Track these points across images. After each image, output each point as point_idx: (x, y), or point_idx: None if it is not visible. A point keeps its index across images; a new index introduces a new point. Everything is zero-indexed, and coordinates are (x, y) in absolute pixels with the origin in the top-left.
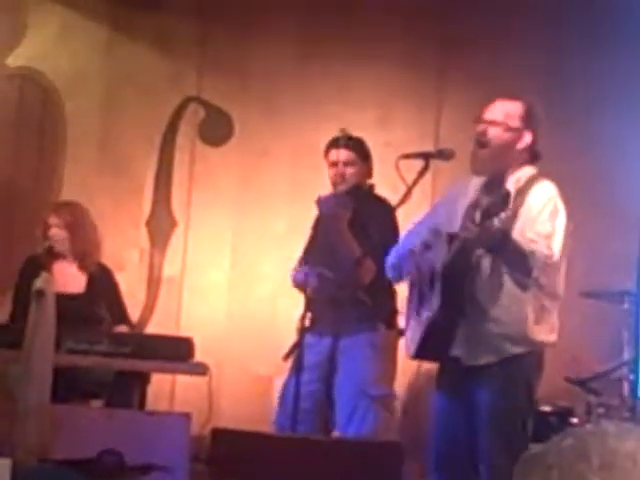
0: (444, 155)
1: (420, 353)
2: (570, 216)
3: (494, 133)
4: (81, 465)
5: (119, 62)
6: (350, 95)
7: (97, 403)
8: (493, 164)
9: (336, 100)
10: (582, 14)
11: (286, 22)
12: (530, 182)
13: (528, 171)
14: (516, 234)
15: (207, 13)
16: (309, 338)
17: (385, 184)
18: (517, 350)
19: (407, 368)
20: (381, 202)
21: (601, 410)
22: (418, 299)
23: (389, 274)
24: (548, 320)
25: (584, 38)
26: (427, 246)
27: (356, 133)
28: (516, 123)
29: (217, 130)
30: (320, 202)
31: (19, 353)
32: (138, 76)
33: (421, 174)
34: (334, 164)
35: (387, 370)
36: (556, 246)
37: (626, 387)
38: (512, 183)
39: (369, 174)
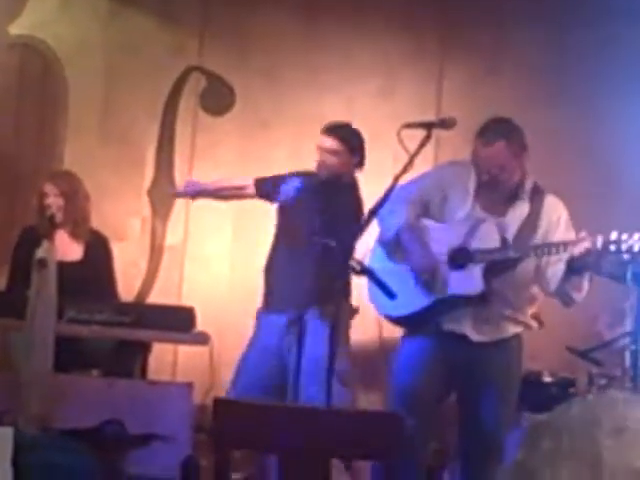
0: (446, 124)
1: (409, 318)
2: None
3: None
4: (83, 434)
5: (121, 31)
6: (352, 66)
7: (96, 372)
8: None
9: (338, 71)
10: None
11: None
12: (538, 192)
13: (531, 179)
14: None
15: None
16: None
17: (387, 153)
18: (517, 329)
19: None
20: (354, 199)
21: (603, 381)
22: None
23: (384, 245)
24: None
25: (585, 11)
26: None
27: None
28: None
29: (219, 99)
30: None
31: (21, 322)
32: (140, 45)
33: (423, 143)
34: (318, 149)
35: (343, 345)
36: None
37: (628, 358)
38: (524, 191)
39: (358, 165)
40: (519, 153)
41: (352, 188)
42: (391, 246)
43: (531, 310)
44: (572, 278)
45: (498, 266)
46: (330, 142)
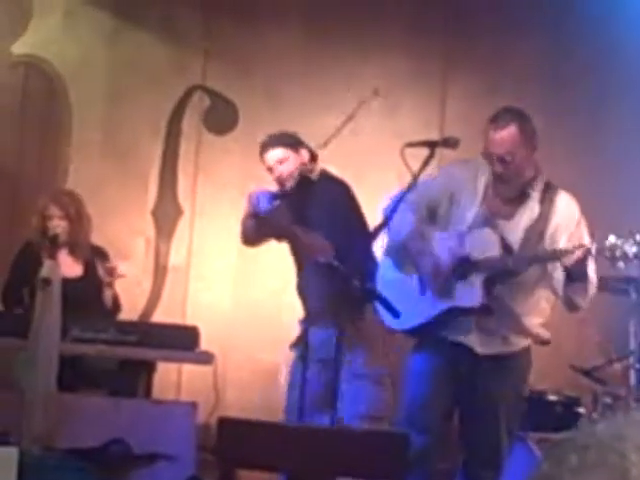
0: (449, 143)
1: (419, 329)
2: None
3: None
4: (87, 454)
5: (124, 50)
6: (355, 85)
7: (101, 392)
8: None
9: (341, 89)
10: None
11: (291, 11)
12: (550, 191)
13: (543, 178)
14: (550, 241)
15: (212, 1)
16: (314, 332)
17: (390, 172)
18: (526, 342)
19: None
20: (331, 183)
21: (607, 400)
22: (420, 278)
23: (392, 255)
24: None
25: (589, 27)
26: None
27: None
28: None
29: (222, 118)
30: (254, 200)
31: (25, 341)
32: (143, 64)
33: (426, 162)
34: (269, 169)
35: (378, 349)
36: (594, 270)
37: (633, 376)
38: (535, 189)
39: (312, 159)
40: (530, 143)
41: (326, 180)
42: (398, 256)
43: (540, 320)
44: (574, 284)
45: (498, 275)
46: (275, 153)
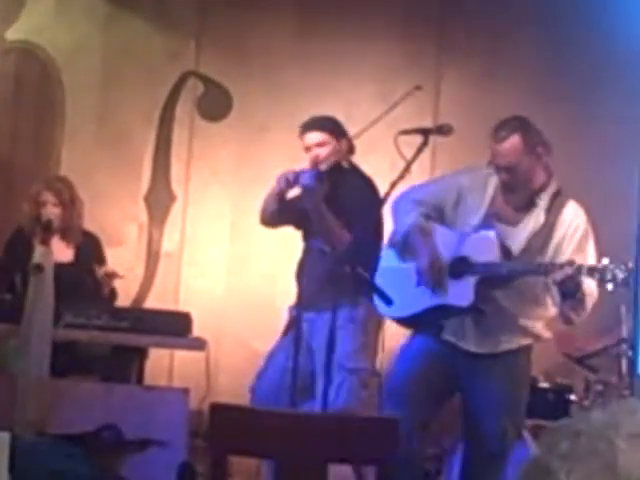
0: (443, 131)
1: (410, 320)
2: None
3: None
4: (80, 439)
5: (117, 36)
6: (349, 70)
7: (93, 378)
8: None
9: (335, 75)
10: None
11: None
12: (559, 200)
13: (554, 186)
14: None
15: None
16: (307, 313)
17: (384, 160)
18: (525, 342)
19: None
20: (362, 178)
21: (599, 387)
22: (417, 271)
23: (394, 246)
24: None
25: (585, 14)
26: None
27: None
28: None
29: (216, 105)
30: (295, 178)
31: (18, 327)
32: (137, 51)
33: (420, 150)
34: (308, 149)
35: (367, 344)
36: (593, 284)
37: (624, 364)
38: (543, 197)
39: (349, 150)
40: (536, 150)
41: (356, 172)
42: (400, 245)
43: (542, 322)
44: (567, 300)
45: (492, 279)
46: (315, 136)
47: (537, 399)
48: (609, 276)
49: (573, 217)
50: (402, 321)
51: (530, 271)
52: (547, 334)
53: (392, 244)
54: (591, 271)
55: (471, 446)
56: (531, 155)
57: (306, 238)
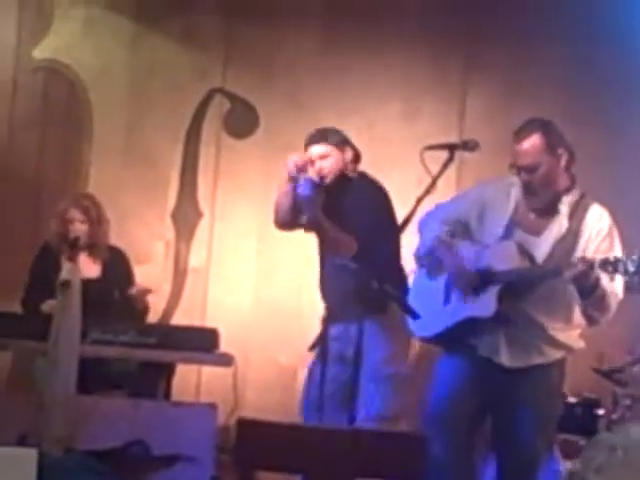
0: (469, 146)
1: (436, 339)
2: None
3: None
4: (107, 455)
5: (144, 55)
6: (374, 89)
7: (120, 394)
8: (545, 190)
9: (360, 94)
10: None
11: (310, 15)
12: (582, 205)
13: (577, 192)
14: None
15: (232, 6)
16: (333, 329)
17: (410, 176)
18: (558, 355)
19: None
20: (369, 186)
21: (627, 401)
22: (445, 286)
23: (418, 263)
24: (578, 330)
25: (610, 34)
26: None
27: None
28: (549, 150)
29: (242, 122)
30: (297, 186)
31: (45, 344)
32: (163, 69)
33: (446, 165)
34: (312, 162)
35: (399, 349)
36: (619, 284)
37: None
38: (566, 203)
39: (355, 159)
40: (557, 152)
41: (364, 181)
42: (426, 261)
43: (575, 331)
44: (586, 298)
45: (515, 287)
46: (318, 148)
47: (565, 414)
48: (621, 268)
49: (597, 220)
50: (432, 340)
51: (547, 273)
52: (579, 345)
53: (419, 261)
54: (603, 264)
55: (503, 460)
56: (552, 156)
57: (322, 250)
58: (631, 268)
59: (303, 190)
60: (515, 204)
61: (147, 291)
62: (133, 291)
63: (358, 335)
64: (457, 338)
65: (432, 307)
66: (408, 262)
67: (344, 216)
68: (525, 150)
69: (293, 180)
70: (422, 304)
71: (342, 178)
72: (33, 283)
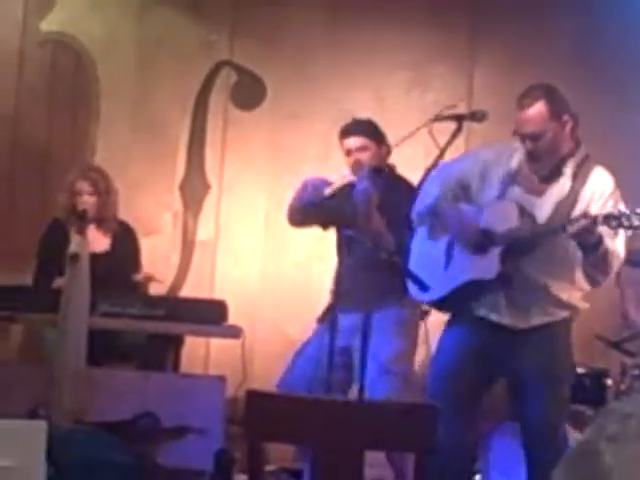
0: (477, 117)
1: (441, 302)
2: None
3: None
4: (117, 427)
5: (152, 26)
6: (382, 59)
7: (129, 366)
8: (549, 156)
9: (368, 64)
10: None
11: None
12: (586, 167)
13: (581, 153)
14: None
15: None
16: (341, 314)
17: (418, 147)
18: (562, 314)
19: None
20: (402, 183)
21: (636, 372)
22: (446, 250)
23: (418, 220)
24: (582, 291)
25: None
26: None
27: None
28: (553, 117)
29: (249, 94)
30: (357, 177)
31: (54, 316)
32: (171, 41)
33: (454, 136)
34: (348, 152)
35: (409, 346)
36: (621, 244)
37: None
38: (570, 166)
39: (387, 155)
40: (562, 117)
41: (396, 176)
42: (428, 220)
43: (579, 292)
44: (589, 257)
45: (517, 247)
46: (356, 140)
47: (573, 384)
48: (626, 222)
49: (599, 182)
50: (435, 304)
51: (550, 230)
52: (584, 305)
53: (420, 219)
54: (607, 219)
55: (523, 434)
56: (557, 122)
57: (339, 234)
58: (636, 222)
59: (360, 184)
60: (517, 166)
61: (151, 278)
62: (139, 277)
63: (365, 319)
64: (459, 302)
65: (434, 270)
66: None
67: (379, 209)
68: (530, 118)
69: (310, 202)
70: (423, 268)
71: (374, 172)
72: (43, 261)
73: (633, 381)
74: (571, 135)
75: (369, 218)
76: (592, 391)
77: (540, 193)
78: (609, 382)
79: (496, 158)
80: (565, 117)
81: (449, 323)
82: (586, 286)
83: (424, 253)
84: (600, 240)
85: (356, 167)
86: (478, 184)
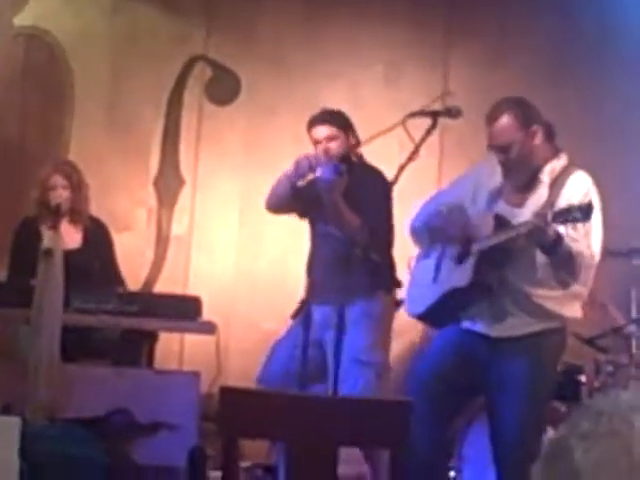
0: (452, 113)
1: (426, 315)
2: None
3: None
4: (91, 423)
5: (125, 21)
6: (357, 54)
7: (103, 363)
8: (523, 167)
9: (343, 59)
10: None
11: None
12: (565, 172)
13: (562, 161)
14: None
15: None
16: (319, 307)
17: (393, 142)
18: (548, 325)
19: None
20: (372, 172)
21: (610, 368)
22: (436, 265)
23: (412, 237)
24: (577, 300)
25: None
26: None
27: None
28: (521, 128)
29: (224, 89)
30: (318, 167)
31: (27, 312)
32: (144, 35)
33: (429, 132)
34: (317, 142)
35: (382, 339)
36: (596, 245)
37: (634, 344)
38: (547, 173)
39: (356, 144)
40: (530, 127)
41: (365, 165)
42: (423, 233)
43: (575, 302)
44: (552, 258)
45: (490, 255)
46: (325, 130)
47: None
48: (570, 217)
49: (576, 186)
50: (421, 317)
51: (506, 234)
52: (572, 314)
53: (415, 237)
54: (556, 215)
55: (494, 448)
56: (525, 133)
57: (314, 227)
58: (578, 215)
59: (324, 174)
60: (500, 180)
61: None
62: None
63: (339, 312)
64: (444, 312)
65: (423, 284)
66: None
67: (349, 200)
68: (496, 131)
69: (298, 178)
70: (416, 284)
71: (345, 162)
72: (15, 261)
73: (607, 378)
74: (545, 143)
75: (336, 208)
76: (566, 388)
77: (520, 204)
78: (583, 379)
79: (483, 174)
80: (534, 127)
81: (436, 334)
82: (558, 288)
83: (419, 271)
84: (559, 240)
85: (327, 156)
86: (471, 203)
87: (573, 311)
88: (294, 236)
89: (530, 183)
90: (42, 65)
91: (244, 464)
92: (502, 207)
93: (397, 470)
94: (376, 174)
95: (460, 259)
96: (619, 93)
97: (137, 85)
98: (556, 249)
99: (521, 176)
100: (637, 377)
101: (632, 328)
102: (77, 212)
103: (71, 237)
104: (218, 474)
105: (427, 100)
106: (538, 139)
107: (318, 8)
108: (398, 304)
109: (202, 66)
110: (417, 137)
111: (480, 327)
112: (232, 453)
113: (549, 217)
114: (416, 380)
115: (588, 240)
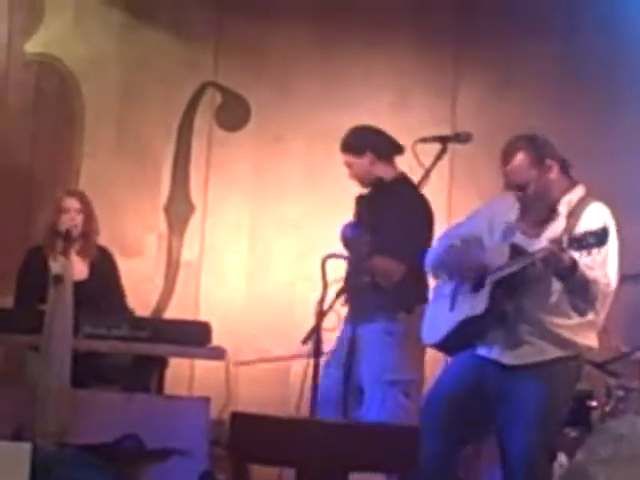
0: (461, 138)
1: (443, 344)
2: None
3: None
4: (101, 449)
5: (136, 47)
6: (366, 80)
7: (113, 388)
8: (540, 202)
9: (352, 85)
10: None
11: (302, 7)
12: (582, 204)
13: (578, 192)
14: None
15: None
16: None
17: (403, 168)
18: (563, 352)
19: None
20: (408, 189)
21: (620, 393)
22: (452, 294)
23: (429, 272)
24: (592, 328)
25: (604, 26)
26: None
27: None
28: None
29: (234, 115)
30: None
31: (37, 338)
32: (155, 61)
33: (438, 158)
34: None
35: (406, 356)
36: (612, 273)
37: None
38: (564, 205)
39: (385, 162)
40: (545, 163)
41: (401, 184)
42: (438, 267)
43: (591, 331)
44: (567, 284)
45: (505, 283)
46: (344, 157)
47: None
48: (585, 243)
49: (593, 217)
50: (438, 346)
51: (521, 261)
52: (589, 342)
53: (432, 272)
54: (572, 242)
55: (502, 463)
56: (540, 169)
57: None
58: (591, 240)
59: (345, 232)
60: (518, 214)
61: None
62: None
63: (351, 336)
64: (461, 340)
65: (440, 313)
66: None
67: (383, 222)
68: (512, 170)
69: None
70: (433, 313)
71: (376, 182)
72: (21, 289)
73: (618, 403)
74: (561, 176)
75: (371, 269)
76: (577, 413)
77: (537, 235)
78: (594, 403)
79: (500, 207)
80: (548, 162)
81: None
82: (574, 317)
83: (436, 300)
84: (574, 267)
85: (355, 181)
86: (489, 236)
87: (589, 340)
88: (303, 262)
89: (548, 216)
90: (53, 91)
91: None
92: (518, 238)
93: None
94: (412, 189)
95: (476, 288)
96: (629, 117)
97: (147, 110)
98: (572, 275)
99: (539, 211)
100: None
101: None
102: (87, 241)
103: (78, 269)
104: None
105: (435, 126)
106: (554, 173)
107: (327, 35)
108: None
109: (212, 92)
110: (426, 162)
111: (495, 354)
112: (242, 478)
113: (564, 242)
114: (429, 404)
115: (604, 269)
